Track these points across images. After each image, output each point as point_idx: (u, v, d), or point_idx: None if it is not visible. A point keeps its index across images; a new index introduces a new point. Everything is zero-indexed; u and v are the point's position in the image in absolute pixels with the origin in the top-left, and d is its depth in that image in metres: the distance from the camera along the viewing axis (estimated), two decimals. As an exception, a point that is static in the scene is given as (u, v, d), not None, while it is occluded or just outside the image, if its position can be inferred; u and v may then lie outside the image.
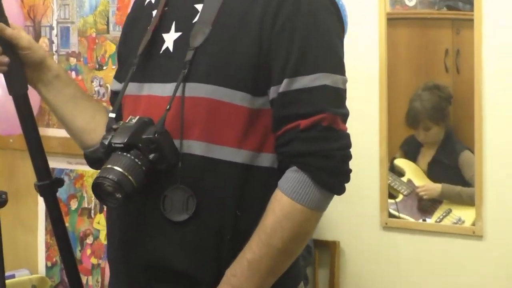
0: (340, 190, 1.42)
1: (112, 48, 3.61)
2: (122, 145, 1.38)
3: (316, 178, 1.38)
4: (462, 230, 2.99)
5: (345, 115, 1.42)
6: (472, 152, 2.95)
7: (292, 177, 1.39)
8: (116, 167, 1.36)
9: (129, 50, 1.58)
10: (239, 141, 1.41)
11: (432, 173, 3.09)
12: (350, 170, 1.42)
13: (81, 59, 3.73)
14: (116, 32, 3.61)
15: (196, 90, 1.41)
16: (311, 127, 1.38)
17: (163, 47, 1.49)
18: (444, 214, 3.06)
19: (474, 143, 2.92)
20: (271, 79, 1.41)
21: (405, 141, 3.21)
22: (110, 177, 1.36)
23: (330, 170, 1.39)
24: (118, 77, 1.65)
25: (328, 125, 1.38)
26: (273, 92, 1.41)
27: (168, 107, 1.40)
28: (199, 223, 1.41)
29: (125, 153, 1.37)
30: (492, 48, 2.88)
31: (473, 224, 2.96)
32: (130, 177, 1.36)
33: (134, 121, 1.42)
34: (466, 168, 3.00)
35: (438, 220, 3.06)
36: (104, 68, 3.65)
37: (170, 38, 1.49)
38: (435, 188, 3.07)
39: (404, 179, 3.15)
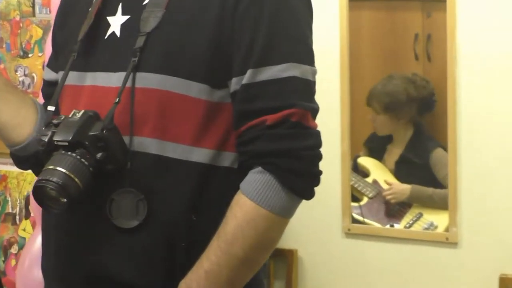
0: (309, 194, 1.40)
1: (38, 33, 3.50)
2: (66, 143, 1.35)
3: (283, 180, 1.36)
4: (434, 237, 2.95)
5: (315, 110, 1.40)
6: (445, 149, 2.92)
7: (257, 178, 1.37)
8: (59, 168, 1.34)
9: (68, 35, 1.56)
10: (196, 138, 1.39)
11: (400, 173, 3.05)
12: (321, 172, 1.40)
13: (3, 46, 3.62)
14: (43, 15, 3.50)
15: (147, 80, 1.39)
16: (279, 123, 1.36)
17: (109, 32, 1.46)
18: (414, 219, 3.02)
19: (447, 139, 2.88)
20: (232, 69, 1.39)
21: (370, 137, 3.14)
22: (54, 179, 1.33)
23: (299, 171, 1.37)
24: (53, 65, 1.62)
25: (297, 121, 1.36)
26: (234, 83, 1.39)
27: (117, 99, 1.37)
28: (150, 229, 1.39)
29: (69, 152, 1.35)
30: (467, 32, 2.84)
31: (447, 230, 2.92)
32: (75, 179, 1.34)
33: (78, 115, 1.39)
34: (439, 167, 2.95)
35: (407, 226, 3.03)
36: (30, 55, 3.55)
37: (116, 22, 1.47)
38: (404, 190, 3.02)
39: (369, 179, 3.10)
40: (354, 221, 3.06)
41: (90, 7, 1.51)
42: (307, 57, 1.41)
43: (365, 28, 3.06)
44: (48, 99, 1.59)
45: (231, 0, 1.38)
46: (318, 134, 1.40)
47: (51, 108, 1.47)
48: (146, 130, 1.39)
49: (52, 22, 1.68)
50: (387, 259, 3.04)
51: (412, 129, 3.04)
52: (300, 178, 1.38)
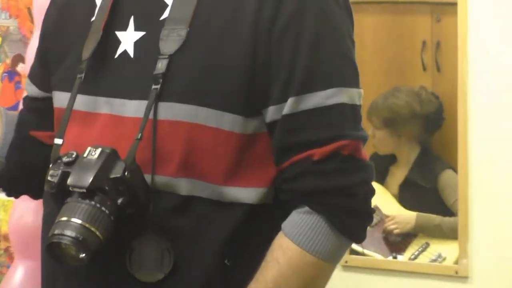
0: (363, 237, 1.39)
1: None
2: (84, 190, 1.31)
3: (334, 222, 1.34)
4: (442, 270, 2.90)
5: (365, 139, 1.38)
6: (456, 171, 2.89)
7: (303, 219, 1.35)
8: (75, 220, 1.30)
9: (65, 49, 1.51)
10: (228, 176, 1.37)
11: (405, 199, 3.01)
12: (374, 210, 1.40)
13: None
14: (2, 20, 3.38)
15: (173, 111, 1.36)
16: (329, 157, 1.33)
17: (119, 50, 1.43)
18: (420, 250, 2.98)
19: (457, 160, 2.85)
20: (269, 97, 1.36)
21: (371, 158, 3.00)
22: (70, 234, 1.29)
23: (352, 211, 1.36)
24: (38, 81, 1.59)
25: (349, 154, 1.34)
26: (272, 113, 1.36)
27: (139, 135, 1.34)
28: (177, 283, 1.37)
29: (87, 200, 1.31)
30: (481, 39, 2.79)
31: (456, 262, 2.88)
32: (96, 231, 1.30)
33: (95, 155, 1.34)
34: (448, 192, 2.92)
35: (412, 257, 2.97)
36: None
37: (128, 39, 1.43)
38: (408, 219, 2.99)
39: None
40: (352, 252, 3.02)
41: (91, 18, 1.47)
42: (354, 78, 1.39)
43: (367, 34, 3.00)
44: (36, 113, 1.57)
45: (266, 16, 1.34)
46: (371, 166, 1.38)
47: (58, 141, 1.43)
48: (170, 169, 1.36)
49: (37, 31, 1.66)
50: None
51: (418, 148, 3.00)
52: (353, 218, 1.36)
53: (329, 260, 1.36)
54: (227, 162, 1.37)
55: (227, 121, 1.35)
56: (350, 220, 1.36)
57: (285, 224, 1.36)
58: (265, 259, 1.35)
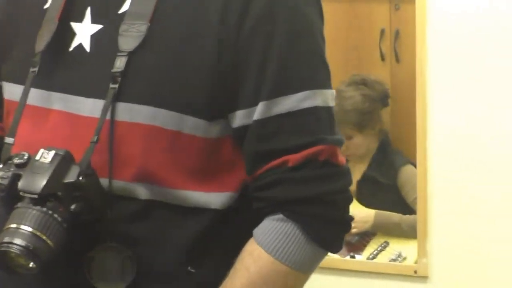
0: (339, 246, 1.38)
1: None
2: (36, 196, 1.28)
3: (309, 231, 1.33)
4: (401, 270, 2.89)
5: (341, 143, 1.37)
6: (416, 166, 2.88)
7: (276, 227, 1.34)
8: (25, 228, 1.27)
9: (16, 35, 1.48)
10: (190, 181, 1.36)
11: (363, 195, 3.00)
12: (352, 218, 1.38)
13: None
14: None
15: (131, 113, 1.33)
16: (304, 163, 1.32)
17: (74, 43, 1.40)
18: (379, 249, 2.99)
19: (416, 155, 2.83)
20: (237, 100, 1.34)
21: None
22: (18, 242, 1.26)
23: (329, 220, 1.34)
24: None
25: (326, 160, 1.33)
26: (241, 117, 1.34)
27: (95, 138, 1.31)
28: None
29: (38, 206, 1.28)
30: (439, 28, 2.76)
31: (416, 262, 2.87)
32: (46, 239, 1.27)
33: (48, 157, 1.31)
34: (408, 189, 2.92)
35: (371, 257, 2.97)
36: None
37: (84, 32, 1.40)
38: (366, 218, 2.98)
39: None
40: None
41: (44, 4, 1.44)
42: (327, 80, 1.38)
43: (324, 22, 2.97)
44: None
45: (234, 15, 1.32)
46: (349, 171, 1.37)
47: (9, 140, 1.39)
48: (128, 173, 1.35)
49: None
50: None
51: (376, 143, 3.00)
52: (330, 227, 1.35)
53: (302, 270, 1.35)
54: (188, 166, 1.35)
55: (188, 125, 1.33)
56: (327, 230, 1.35)
57: (257, 231, 1.36)
58: (234, 266, 1.35)
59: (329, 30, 2.94)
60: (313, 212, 1.33)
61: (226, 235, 1.39)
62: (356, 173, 3.02)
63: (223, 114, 1.35)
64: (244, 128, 1.34)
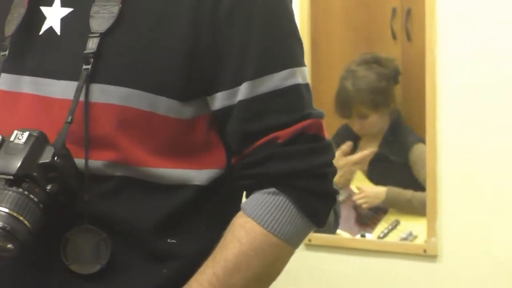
0: (325, 221, 1.40)
1: None
2: (11, 177, 1.29)
3: (301, 204, 1.35)
4: (410, 249, 2.94)
5: (324, 116, 1.40)
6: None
7: (268, 200, 1.36)
8: (1, 208, 1.27)
9: None
10: (164, 160, 1.37)
11: (374, 174, 3.04)
12: (338, 192, 1.41)
13: None
14: None
15: (104, 94, 1.34)
16: (294, 138, 1.35)
17: (44, 27, 1.40)
18: (389, 227, 3.02)
19: (426, 132, 2.85)
20: (217, 82, 1.35)
21: (338, 132, 3.11)
22: None
23: (319, 192, 1.37)
24: None
25: (314, 133, 1.36)
26: (223, 99, 1.36)
27: (69, 118, 1.32)
28: (116, 272, 1.36)
29: (14, 187, 1.29)
30: (449, 6, 2.79)
31: (425, 241, 2.91)
32: (23, 219, 1.28)
33: (23, 139, 1.32)
34: (420, 167, 2.93)
35: (381, 235, 3.01)
36: None
37: (54, 15, 1.40)
38: (378, 193, 3.01)
39: None
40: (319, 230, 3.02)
41: None
42: (302, 57, 1.41)
43: (335, 1, 3.02)
44: None
45: None
46: (332, 144, 1.40)
47: None
48: (103, 153, 1.36)
49: None
50: (354, 275, 3.02)
51: (388, 121, 3.02)
52: (320, 200, 1.37)
53: (291, 243, 1.37)
54: (163, 146, 1.37)
55: (161, 105, 1.35)
56: (317, 203, 1.37)
57: (247, 205, 1.37)
58: (224, 238, 1.36)
59: (339, 9, 3.06)
60: (304, 185, 1.35)
61: (209, 209, 1.41)
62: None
63: (199, 95, 1.36)
64: (227, 109, 1.36)
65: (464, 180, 2.83)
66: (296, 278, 3.09)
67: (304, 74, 1.39)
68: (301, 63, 1.38)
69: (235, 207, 1.38)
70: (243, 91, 1.34)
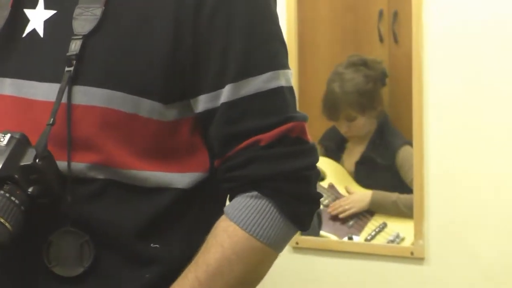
0: (309, 224, 1.40)
1: None
2: None
3: (284, 208, 1.35)
4: (397, 251, 2.94)
5: (307, 120, 1.39)
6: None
7: (250, 204, 1.35)
8: None
9: None
10: (147, 162, 1.37)
11: (361, 176, 3.03)
12: (321, 195, 1.41)
13: None
14: None
15: (87, 96, 1.34)
16: (277, 141, 1.34)
17: (28, 29, 1.40)
18: (377, 230, 3.02)
19: (413, 134, 2.85)
20: (199, 85, 1.35)
21: (325, 134, 3.12)
22: None
23: (302, 196, 1.37)
24: None
25: (297, 136, 1.35)
26: (206, 101, 1.36)
27: (51, 120, 1.31)
28: (100, 275, 1.36)
29: None
30: (436, 8, 2.78)
31: (413, 244, 2.90)
32: (4, 221, 1.27)
33: (4, 141, 1.31)
34: (407, 169, 2.93)
35: (369, 238, 3.01)
36: None
37: (37, 17, 1.40)
38: (363, 196, 3.01)
39: (325, 184, 3.08)
40: (305, 232, 2.93)
41: None
42: (286, 60, 1.40)
43: (322, 2, 3.02)
44: None
45: None
46: (316, 148, 1.39)
47: None
48: (86, 155, 1.35)
49: None
50: (342, 278, 3.01)
51: (375, 123, 3.02)
52: (303, 204, 1.37)
53: (274, 247, 1.36)
54: (146, 148, 1.37)
55: (144, 108, 1.35)
56: (300, 206, 1.37)
57: (230, 208, 1.37)
58: (207, 242, 1.36)
59: (326, 11, 3.06)
60: (287, 188, 1.35)
61: (192, 212, 1.40)
62: (355, 154, 3.05)
63: (182, 98, 1.36)
64: (210, 112, 1.35)
65: (451, 183, 2.82)
66: (283, 281, 3.08)
67: (288, 77, 1.38)
68: (284, 66, 1.38)
69: (219, 211, 1.38)
70: (225, 94, 1.34)
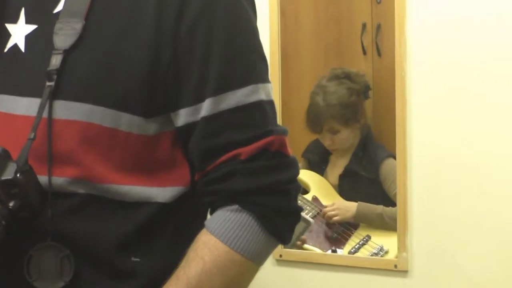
0: (290, 237, 1.41)
1: None
2: None
3: (264, 221, 1.36)
4: (381, 264, 2.93)
5: (287, 133, 1.40)
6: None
7: (230, 218, 1.36)
8: None
9: None
10: (127, 177, 1.37)
11: (345, 189, 3.04)
12: (302, 209, 1.42)
13: None
14: None
15: (68, 110, 1.34)
16: (257, 155, 1.35)
17: (9, 44, 1.41)
18: (360, 243, 3.02)
19: (396, 147, 2.85)
20: (179, 99, 1.36)
21: (309, 147, 3.12)
22: None
23: (282, 209, 1.37)
24: None
25: (277, 150, 1.36)
26: (186, 115, 1.36)
27: (32, 134, 1.32)
28: None
29: None
30: (419, 21, 2.80)
31: (396, 257, 2.89)
32: None
33: None
34: (390, 182, 2.94)
35: (352, 251, 3.01)
36: None
37: (19, 32, 1.41)
38: (349, 206, 3.00)
39: (308, 196, 3.08)
40: (288, 245, 2.99)
41: None
42: (267, 73, 1.41)
43: (305, 15, 3.02)
44: None
45: (171, 13, 1.34)
46: (296, 161, 1.40)
47: None
48: (66, 170, 1.36)
49: None
50: None
51: (358, 136, 3.03)
52: (283, 217, 1.38)
53: (255, 260, 1.37)
54: (126, 162, 1.37)
55: (124, 122, 1.35)
56: (280, 220, 1.37)
57: (210, 222, 1.37)
58: (187, 256, 1.36)
59: (309, 23, 3.06)
60: (267, 202, 1.35)
61: (173, 226, 1.41)
62: (338, 167, 3.04)
63: (162, 111, 1.37)
64: (190, 126, 1.36)
65: (435, 195, 2.83)
66: (267, 294, 3.06)
67: (268, 91, 1.39)
68: (264, 80, 1.39)
69: (200, 224, 1.39)
70: (206, 108, 1.35)
